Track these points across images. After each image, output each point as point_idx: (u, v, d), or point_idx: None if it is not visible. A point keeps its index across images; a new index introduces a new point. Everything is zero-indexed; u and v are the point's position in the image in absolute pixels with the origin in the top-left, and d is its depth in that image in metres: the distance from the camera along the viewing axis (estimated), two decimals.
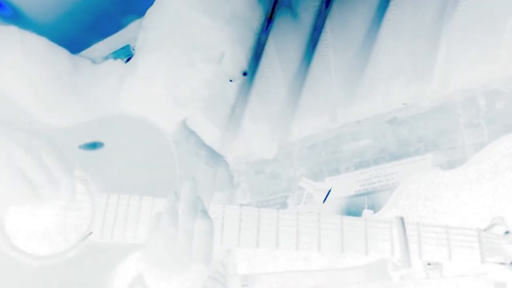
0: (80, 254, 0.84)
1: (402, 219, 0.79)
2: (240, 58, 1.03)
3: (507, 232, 0.81)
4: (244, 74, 1.06)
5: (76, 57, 1.07)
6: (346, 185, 2.68)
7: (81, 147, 0.90)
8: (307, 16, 2.25)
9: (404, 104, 2.75)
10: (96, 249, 0.85)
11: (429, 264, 0.88)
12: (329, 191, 2.50)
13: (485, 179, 1.31)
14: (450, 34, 2.22)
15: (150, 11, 1.08)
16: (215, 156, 1.20)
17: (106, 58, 2.43)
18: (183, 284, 0.82)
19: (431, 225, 0.80)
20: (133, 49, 1.12)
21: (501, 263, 0.83)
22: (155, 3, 1.09)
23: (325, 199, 2.51)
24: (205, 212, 0.83)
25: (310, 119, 2.94)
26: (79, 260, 0.84)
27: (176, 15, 1.02)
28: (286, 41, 2.38)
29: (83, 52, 2.35)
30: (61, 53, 1.04)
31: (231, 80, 1.04)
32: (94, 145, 0.91)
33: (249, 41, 1.07)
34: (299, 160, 3.00)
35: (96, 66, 1.08)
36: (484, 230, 0.82)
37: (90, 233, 0.84)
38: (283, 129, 3.13)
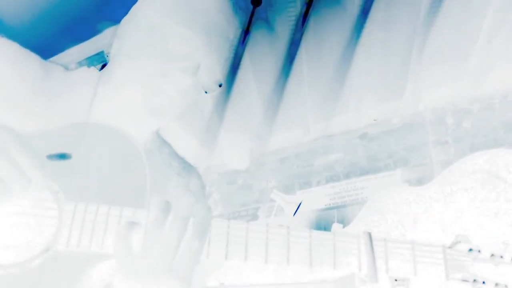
0: (44, 262, 0.82)
1: (369, 234, 0.81)
2: (216, 70, 1.03)
3: (471, 250, 0.84)
4: (220, 85, 1.06)
5: (47, 63, 1.05)
6: (316, 198, 2.70)
7: (48, 157, 0.88)
8: (283, 30, 2.28)
9: (375, 120, 2.81)
10: (61, 257, 0.84)
11: (396, 280, 0.89)
12: (300, 204, 2.52)
13: (451, 197, 1.34)
14: (421, 55, 2.28)
15: (125, 20, 1.07)
16: (187, 167, 1.19)
17: (80, 63, 2.41)
18: None
19: (398, 241, 0.82)
20: (107, 56, 1.11)
21: (465, 280, 0.85)
22: (130, 11, 1.08)
23: (295, 212, 2.52)
24: (202, 231, 0.80)
25: (283, 131, 2.97)
26: (43, 268, 0.82)
27: (152, 24, 1.01)
28: (262, 54, 2.40)
29: (57, 57, 2.31)
30: (32, 59, 1.02)
31: (206, 92, 1.04)
32: (61, 156, 0.89)
33: (225, 52, 1.07)
34: (271, 172, 3.01)
35: (68, 73, 1.06)
36: (449, 247, 0.84)
37: (54, 245, 0.82)
38: (257, 141, 3.14)
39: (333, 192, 2.64)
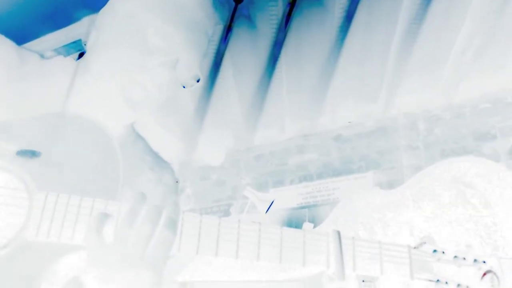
0: (13, 251, 0.81)
1: (338, 232, 0.82)
2: (194, 65, 1.03)
3: (435, 251, 0.86)
4: (197, 80, 1.06)
5: (24, 50, 1.03)
6: (289, 197, 2.73)
7: (18, 153, 0.86)
8: (265, 29, 2.29)
9: (349, 122, 2.85)
10: (30, 247, 0.82)
11: (363, 281, 0.91)
12: (272, 202, 2.53)
13: (419, 202, 1.37)
14: (397, 61, 2.32)
15: (104, 11, 1.06)
16: (161, 162, 1.18)
17: (57, 50, 2.36)
18: (124, 286, 0.80)
19: (366, 240, 0.84)
20: (85, 44, 1.09)
21: (429, 280, 0.88)
22: (109, 2, 1.07)
23: (267, 209, 2.54)
24: (173, 222, 0.81)
25: (259, 130, 2.98)
26: (11, 257, 0.81)
27: (130, 17, 1.01)
28: (244, 52, 2.41)
29: (32, 42, 2.26)
30: (8, 45, 1.00)
31: (184, 87, 1.04)
32: (31, 153, 0.87)
33: (204, 47, 1.07)
34: (245, 170, 3.02)
35: (44, 61, 1.05)
36: (414, 248, 0.86)
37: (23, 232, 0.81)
38: (232, 138, 3.15)
39: (305, 192, 2.67)
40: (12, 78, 0.98)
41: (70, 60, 1.07)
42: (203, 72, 2.53)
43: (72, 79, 1.01)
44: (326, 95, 2.58)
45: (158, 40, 1.00)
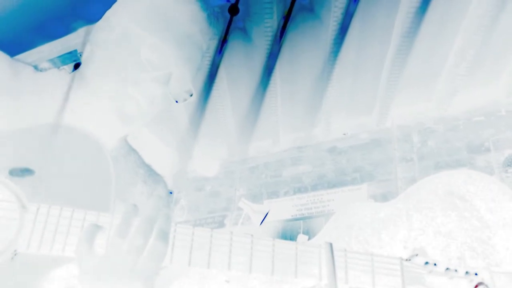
0: (2, 264, 0.81)
1: (331, 244, 0.82)
2: (187, 80, 1.03)
3: (427, 263, 0.86)
4: (191, 95, 1.06)
5: (17, 63, 1.03)
6: (283, 208, 2.72)
7: (10, 172, 0.86)
8: (260, 41, 2.30)
9: (344, 134, 2.86)
10: (21, 260, 0.82)
11: None
12: (267, 213, 2.53)
13: (413, 213, 1.38)
14: (391, 74, 2.34)
15: (98, 26, 1.07)
16: (153, 175, 1.18)
17: (52, 61, 2.37)
18: None
19: (358, 252, 0.84)
20: (81, 55, 1.10)
21: None
22: (104, 17, 1.08)
23: (262, 221, 2.53)
24: (165, 234, 0.81)
25: (254, 141, 2.98)
26: (1, 270, 0.80)
27: (124, 32, 1.01)
28: (239, 64, 2.42)
29: (28, 53, 2.27)
30: (1, 58, 1.00)
31: (177, 101, 1.04)
32: (24, 171, 0.87)
33: (197, 62, 1.07)
34: (240, 181, 3.02)
35: (38, 74, 1.05)
36: (406, 260, 0.86)
37: (15, 251, 0.80)
38: (227, 149, 3.15)
39: (300, 203, 2.67)
40: (5, 90, 0.98)
41: (64, 73, 1.08)
42: (198, 84, 2.55)
43: (66, 92, 1.01)
44: (320, 107, 2.59)
45: (151, 55, 1.01)
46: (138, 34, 1.01)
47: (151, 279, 0.80)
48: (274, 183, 2.85)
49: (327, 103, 2.54)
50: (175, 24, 1.04)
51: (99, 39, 1.05)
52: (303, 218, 2.63)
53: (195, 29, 1.05)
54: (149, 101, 1.01)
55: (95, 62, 1.03)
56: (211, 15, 1.09)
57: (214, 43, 1.13)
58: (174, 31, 1.03)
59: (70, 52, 2.33)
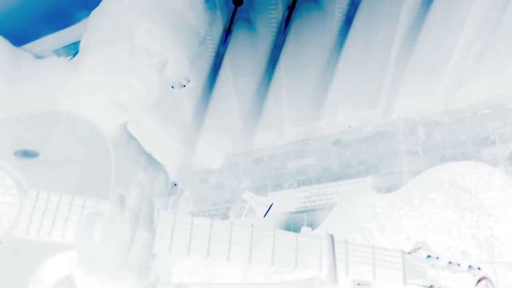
0: (1, 250, 0.80)
1: (332, 236, 0.82)
2: (184, 66, 1.02)
3: (429, 256, 0.85)
4: (188, 81, 1.05)
5: (17, 50, 1.03)
6: (287, 201, 2.71)
7: (15, 154, 0.85)
8: (265, 32, 2.28)
9: (349, 127, 2.84)
10: (19, 246, 0.82)
11: (358, 284, 0.90)
12: (271, 205, 2.52)
13: (417, 206, 1.36)
14: (396, 66, 2.32)
15: (94, 12, 1.06)
16: (154, 164, 1.18)
17: (57, 52, 2.36)
18: None
19: (359, 244, 0.83)
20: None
21: (423, 286, 0.87)
22: (99, 5, 1.07)
23: (266, 213, 2.52)
24: (150, 222, 0.81)
25: (258, 133, 2.98)
26: (0, 255, 0.80)
27: (120, 18, 1.00)
28: (243, 55, 2.41)
29: (32, 44, 2.27)
30: (1, 43, 1.00)
31: (173, 87, 1.03)
32: (27, 154, 0.87)
33: (194, 48, 1.06)
34: (244, 173, 3.01)
35: (37, 61, 1.04)
36: (408, 253, 0.85)
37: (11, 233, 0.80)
38: (231, 141, 3.14)
39: (304, 196, 2.66)
40: (5, 76, 0.97)
41: (63, 60, 1.07)
42: (202, 75, 2.54)
43: (64, 79, 1.01)
44: (325, 99, 2.58)
45: (146, 41, 1.00)
46: (133, 19, 1.01)
47: (145, 267, 0.80)
48: (279, 175, 2.84)
49: (332, 95, 2.52)
50: (171, 8, 1.03)
51: (94, 25, 1.04)
52: (307, 211, 2.62)
53: (191, 14, 1.04)
54: (146, 88, 1.00)
55: (90, 48, 1.03)
56: (208, 0, 1.08)
57: (218, 32, 1.12)
58: (170, 15, 1.02)
59: (75, 43, 2.33)
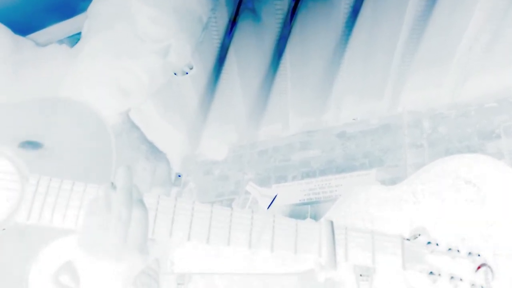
0: (2, 235, 0.81)
1: (331, 222, 0.82)
2: (187, 52, 1.02)
3: (429, 242, 0.85)
4: (191, 68, 1.05)
5: (19, 37, 1.03)
6: (291, 193, 2.71)
7: (20, 145, 0.86)
8: (270, 23, 2.27)
9: (354, 119, 2.83)
10: (20, 231, 0.82)
11: (361, 275, 0.90)
12: (275, 197, 2.53)
13: (420, 197, 1.36)
14: (402, 58, 2.31)
15: (96, 0, 1.06)
16: (156, 152, 1.18)
17: (62, 41, 2.37)
18: (116, 273, 0.80)
19: (358, 230, 0.83)
20: None
21: (421, 272, 0.86)
22: None
23: (269, 205, 2.53)
24: (141, 201, 0.82)
25: (263, 125, 2.97)
26: (1, 241, 0.81)
27: (122, 4, 1.00)
28: (248, 46, 2.40)
29: (37, 34, 2.27)
30: (3, 31, 1.00)
31: (175, 74, 1.03)
32: (33, 144, 0.87)
33: (197, 34, 1.06)
34: (248, 165, 3.02)
35: (39, 49, 1.05)
36: (408, 239, 0.85)
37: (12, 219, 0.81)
38: (236, 133, 3.14)
39: (308, 188, 2.66)
40: (6, 62, 0.98)
41: (64, 47, 1.08)
42: (207, 66, 2.53)
43: (66, 66, 1.01)
44: (330, 91, 2.56)
45: (149, 27, 1.00)
46: (135, 5, 1.00)
47: (145, 245, 0.81)
48: (283, 167, 2.84)
49: (338, 87, 2.51)
50: None
51: (96, 11, 1.04)
52: (310, 203, 2.62)
53: (193, 0, 1.04)
54: (148, 74, 1.00)
55: (92, 34, 1.02)
56: None
57: (222, 23, 1.11)
58: (172, 1, 1.02)
59: (79, 33, 2.33)
